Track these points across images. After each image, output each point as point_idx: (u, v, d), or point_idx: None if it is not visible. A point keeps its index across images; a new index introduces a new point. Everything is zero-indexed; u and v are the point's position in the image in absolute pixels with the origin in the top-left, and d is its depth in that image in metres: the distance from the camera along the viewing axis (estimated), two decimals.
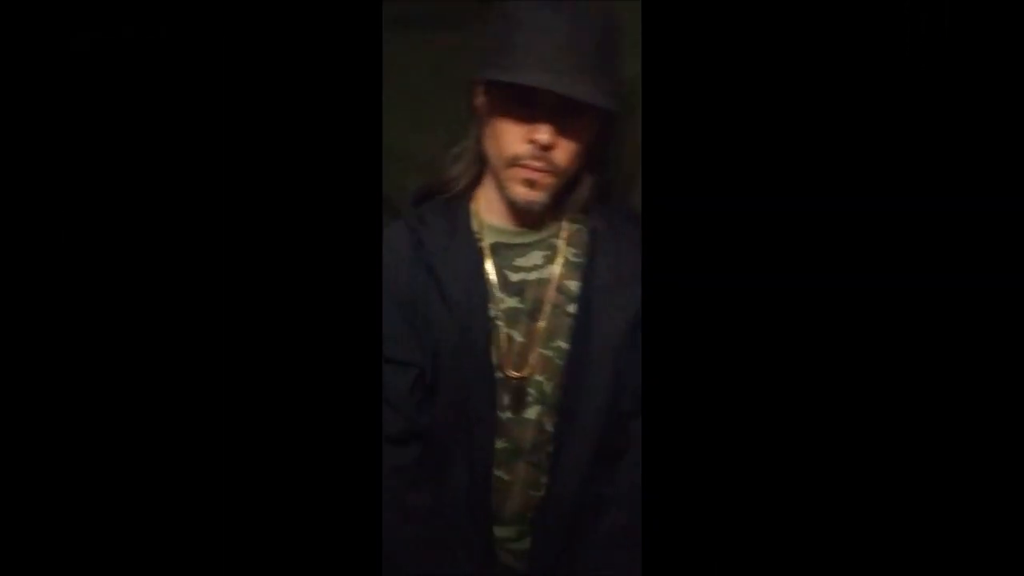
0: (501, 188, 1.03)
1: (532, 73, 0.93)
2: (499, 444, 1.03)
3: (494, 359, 1.03)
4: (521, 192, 1.01)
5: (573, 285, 1.05)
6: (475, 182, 1.09)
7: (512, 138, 0.99)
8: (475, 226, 1.07)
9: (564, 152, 1.00)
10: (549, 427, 1.03)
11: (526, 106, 0.97)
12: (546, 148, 0.98)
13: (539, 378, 1.03)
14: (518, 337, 1.03)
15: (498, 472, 1.03)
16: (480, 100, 1.03)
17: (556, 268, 1.05)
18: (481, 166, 1.07)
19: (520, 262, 1.06)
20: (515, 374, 1.02)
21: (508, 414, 1.03)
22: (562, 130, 0.98)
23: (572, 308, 1.04)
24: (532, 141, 0.98)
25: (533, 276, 1.05)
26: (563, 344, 1.03)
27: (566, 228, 1.07)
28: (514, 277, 1.05)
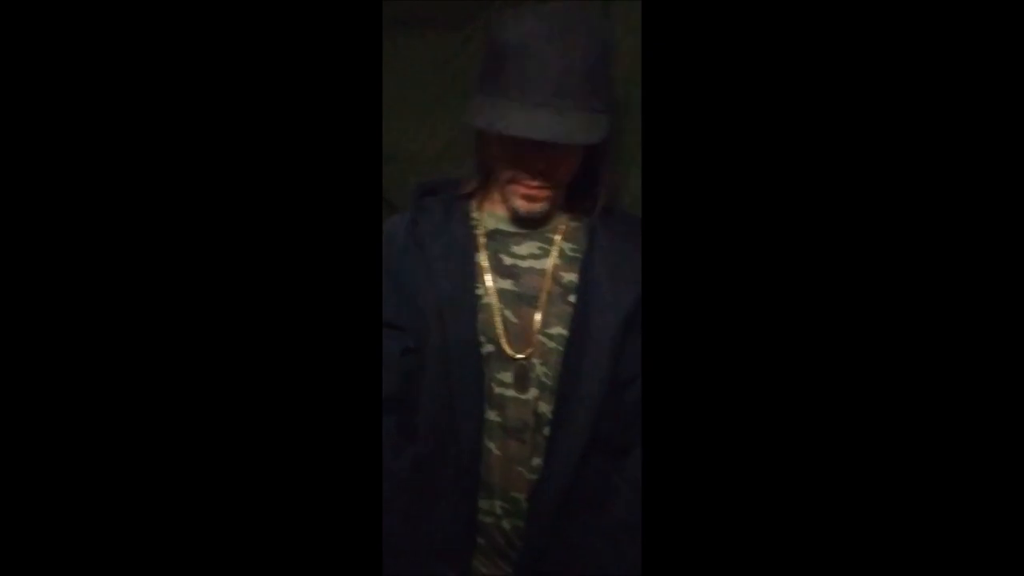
0: (503, 195, 1.09)
1: (522, 117, 0.97)
2: (491, 416, 1.05)
3: (485, 336, 1.06)
4: (521, 204, 1.07)
5: (569, 276, 1.08)
6: (479, 188, 1.13)
7: (508, 162, 1.05)
8: (474, 215, 1.12)
9: (562, 169, 1.05)
10: (544, 409, 1.05)
11: (519, 140, 1.00)
12: (542, 173, 1.03)
13: (536, 362, 1.06)
14: (513, 318, 1.07)
15: (489, 444, 1.05)
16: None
17: (552, 260, 1.09)
18: (485, 176, 1.12)
19: (515, 249, 1.10)
20: (517, 355, 1.05)
21: (511, 392, 1.05)
22: (558, 152, 1.02)
23: (571, 298, 1.07)
24: (527, 168, 1.03)
25: (527, 264, 1.09)
26: (562, 331, 1.06)
27: (564, 224, 1.11)
28: (508, 261, 1.09)
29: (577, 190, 1.10)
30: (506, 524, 1.05)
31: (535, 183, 1.04)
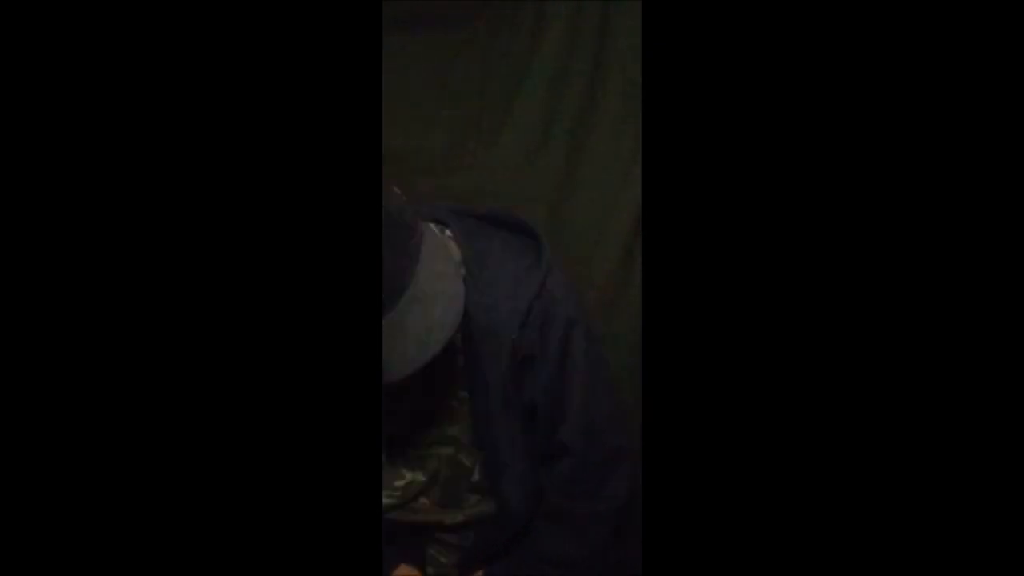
0: None
1: None
2: (416, 476, 1.09)
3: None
4: None
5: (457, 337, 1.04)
6: None
7: None
8: None
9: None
10: (468, 462, 1.08)
11: None
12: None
13: (444, 424, 1.08)
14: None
15: (422, 499, 1.10)
16: None
17: None
18: None
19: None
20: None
21: (427, 452, 1.08)
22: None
23: (460, 361, 1.06)
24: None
25: None
26: (463, 393, 1.07)
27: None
28: None
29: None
30: (448, 520, 1.10)
31: None
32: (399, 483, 1.08)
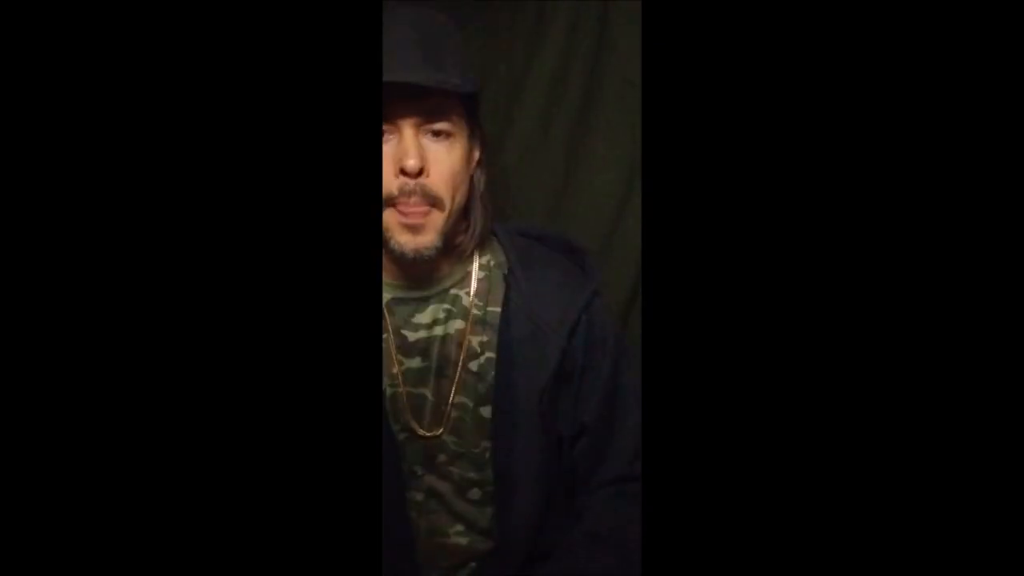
0: (387, 241, 0.93)
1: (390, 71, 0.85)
2: (416, 497, 1.02)
3: (398, 420, 0.99)
4: (406, 240, 0.91)
5: (476, 341, 0.99)
6: None
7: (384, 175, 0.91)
8: None
9: (439, 178, 0.91)
10: (475, 492, 1.01)
11: (387, 129, 0.90)
12: (416, 174, 0.88)
13: (450, 438, 1.00)
14: (429, 395, 0.99)
15: (417, 519, 1.02)
16: None
17: (458, 323, 0.99)
18: None
19: (418, 319, 0.99)
20: (425, 433, 0.99)
21: (420, 469, 1.01)
22: (431, 151, 0.90)
23: (474, 366, 0.99)
24: (400, 170, 0.89)
25: (436, 332, 0.99)
26: (468, 402, 0.99)
27: (472, 274, 1.00)
28: (412, 337, 0.98)
29: (472, 226, 0.98)
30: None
31: (414, 201, 0.89)
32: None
